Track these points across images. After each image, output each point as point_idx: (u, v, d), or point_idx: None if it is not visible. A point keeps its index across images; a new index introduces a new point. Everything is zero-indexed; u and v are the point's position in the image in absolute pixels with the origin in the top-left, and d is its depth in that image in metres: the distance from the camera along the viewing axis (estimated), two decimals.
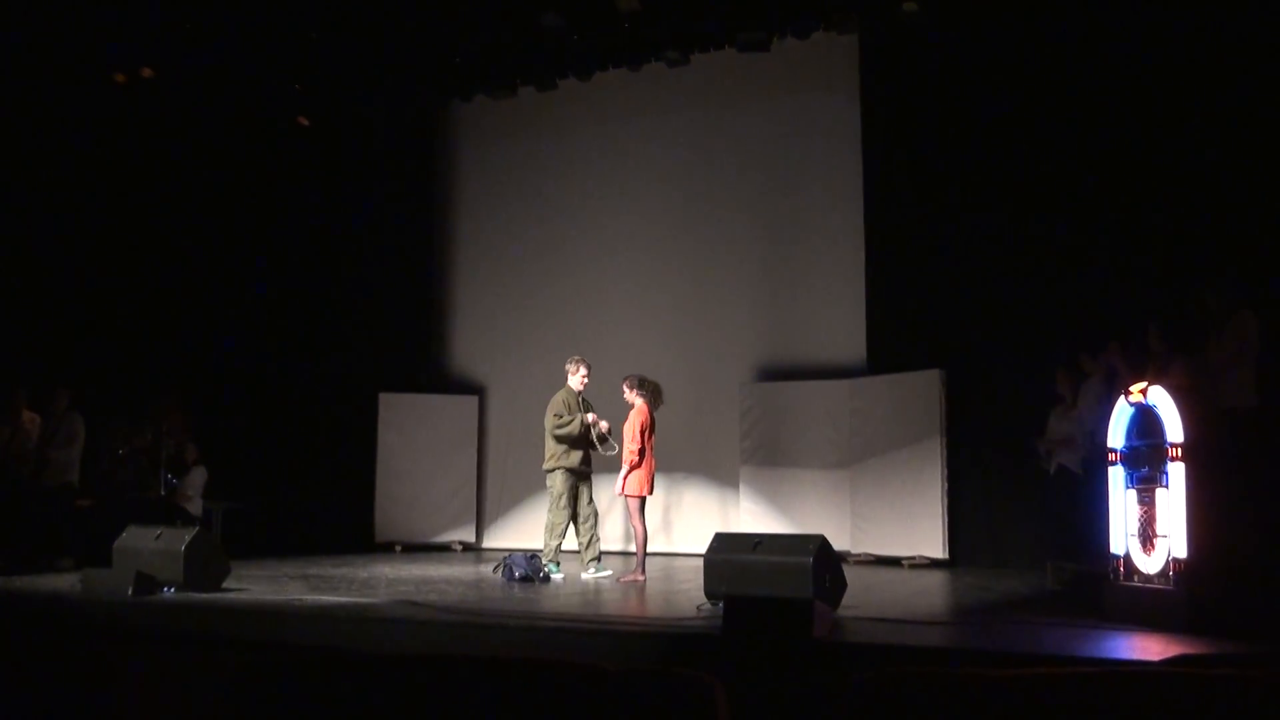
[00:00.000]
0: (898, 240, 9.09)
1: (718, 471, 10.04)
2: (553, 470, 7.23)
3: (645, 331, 10.33)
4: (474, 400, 10.93)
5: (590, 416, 7.19)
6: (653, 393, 7.19)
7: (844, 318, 9.57)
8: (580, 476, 7.27)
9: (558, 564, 7.21)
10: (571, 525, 7.17)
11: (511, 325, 10.97)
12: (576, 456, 7.21)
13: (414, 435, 10.60)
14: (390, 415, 10.63)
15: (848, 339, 9.55)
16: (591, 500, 7.35)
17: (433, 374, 11.08)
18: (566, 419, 7.12)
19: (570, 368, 7.40)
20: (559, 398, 7.31)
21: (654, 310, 10.38)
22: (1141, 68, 7.63)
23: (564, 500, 7.16)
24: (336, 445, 10.55)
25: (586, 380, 7.34)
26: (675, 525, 10.17)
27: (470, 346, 11.12)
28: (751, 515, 9.59)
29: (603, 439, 7.10)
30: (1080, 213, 8.01)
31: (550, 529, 7.22)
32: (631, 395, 7.19)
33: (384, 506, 10.49)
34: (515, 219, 11.03)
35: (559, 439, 7.06)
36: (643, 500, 7.12)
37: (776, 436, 9.62)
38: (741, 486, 9.73)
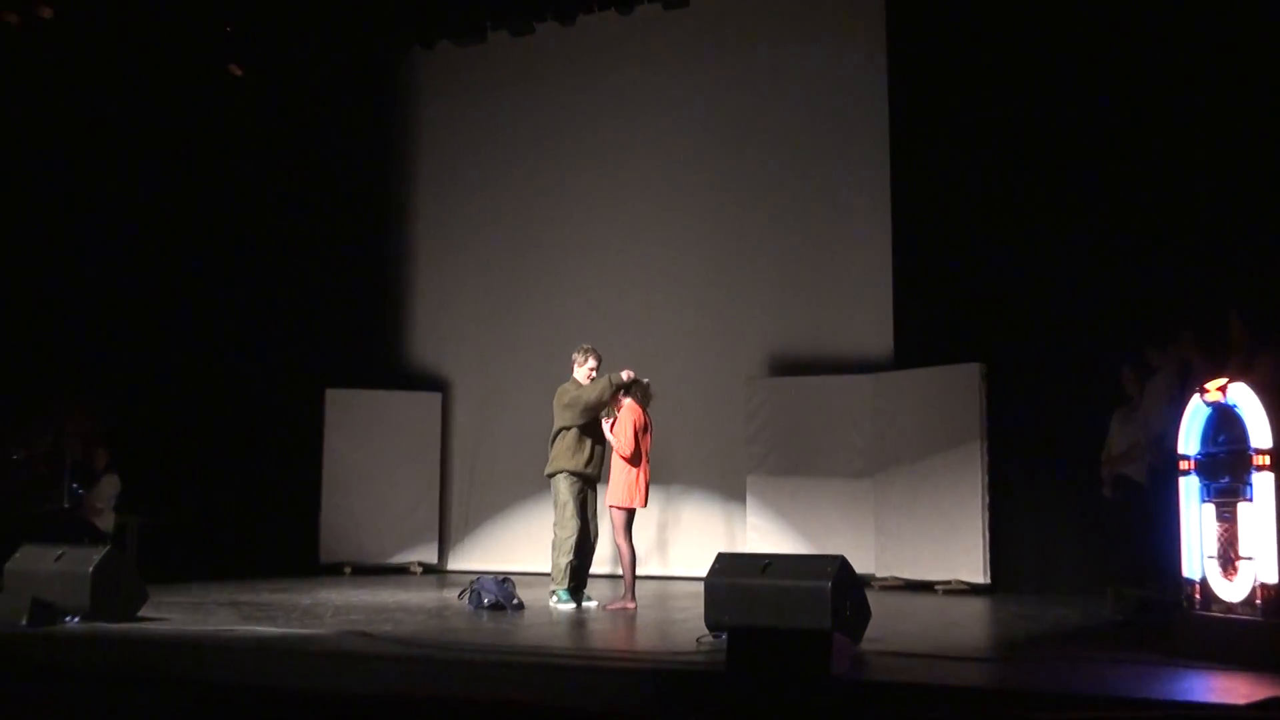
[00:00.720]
0: (930, 213, 9.14)
1: (720, 481, 10.09)
2: (555, 474, 7.26)
3: (636, 318, 10.39)
4: (436, 398, 10.96)
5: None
6: (643, 392, 7.27)
7: (868, 302, 9.64)
8: (587, 482, 7.30)
9: (571, 590, 7.19)
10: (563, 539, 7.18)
11: (482, 311, 10.99)
12: (584, 457, 7.24)
13: (366, 438, 10.63)
14: (338, 415, 10.67)
15: (872, 327, 9.61)
16: (595, 515, 7.39)
17: (388, 367, 11.12)
18: (588, 386, 7.09)
19: (577, 358, 7.42)
20: (566, 388, 7.35)
21: (647, 294, 10.47)
22: (1219, 9, 7.69)
23: (571, 509, 7.16)
24: (274, 449, 10.54)
25: (594, 373, 7.35)
26: (671, 544, 10.26)
27: (433, 336, 11.14)
28: (760, 532, 9.64)
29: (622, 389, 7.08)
30: (1148, 180, 8.05)
31: (558, 545, 7.21)
32: (625, 396, 7.28)
33: (330, 521, 10.55)
34: (487, 188, 11.08)
35: (587, 406, 7.03)
36: (631, 514, 7.18)
37: (789, 440, 9.65)
38: (748, 499, 9.75)
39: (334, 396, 10.67)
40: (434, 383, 11.10)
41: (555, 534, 7.29)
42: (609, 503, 7.21)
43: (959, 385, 8.82)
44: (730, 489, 9.98)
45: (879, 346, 9.57)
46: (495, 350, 10.90)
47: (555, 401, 7.37)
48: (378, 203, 11.33)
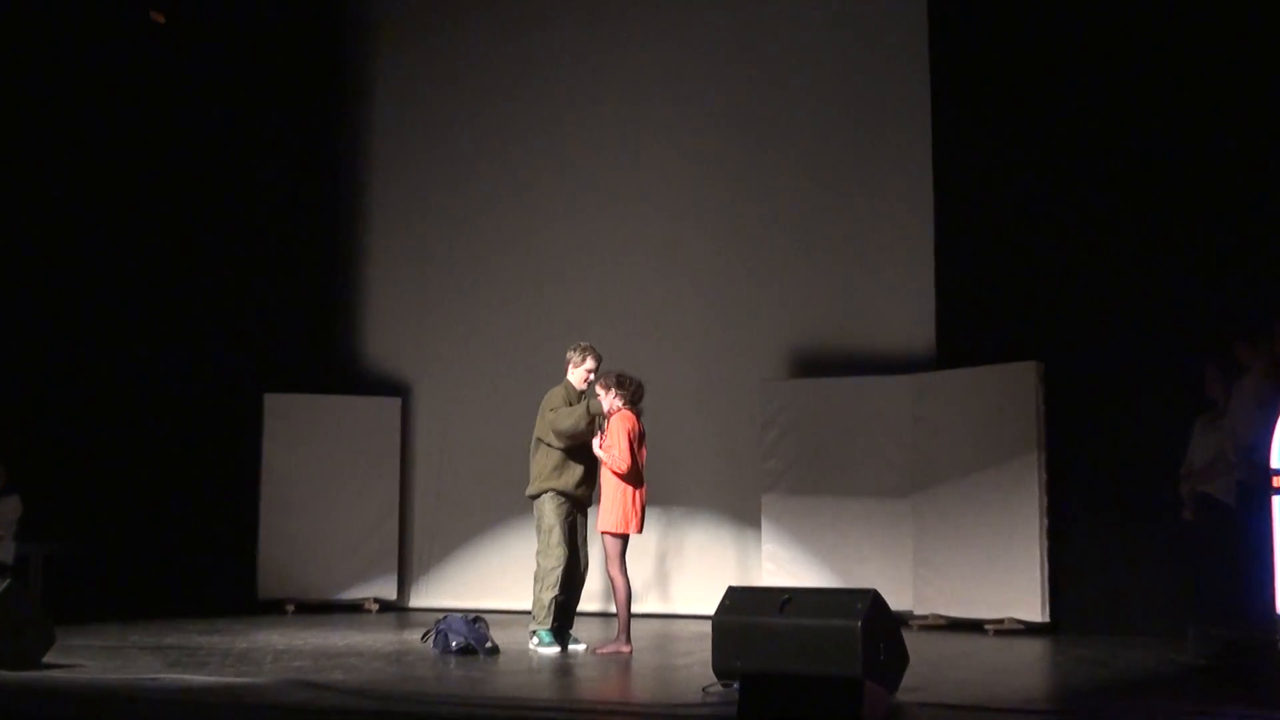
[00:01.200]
0: (978, 189, 9.19)
1: (731, 502, 10.14)
2: (539, 495, 7.32)
3: (630, 309, 10.46)
4: (395, 404, 10.99)
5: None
6: (631, 393, 7.31)
7: (906, 291, 9.69)
8: (576, 504, 7.36)
9: (555, 630, 7.23)
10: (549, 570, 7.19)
11: (450, 303, 11.05)
12: (574, 475, 7.30)
13: (312, 451, 10.64)
14: (280, 424, 10.66)
15: (911, 319, 9.67)
16: (585, 543, 7.43)
17: (339, 368, 11.21)
18: (564, 410, 7.25)
19: (573, 357, 7.46)
20: (556, 393, 7.42)
21: (642, 281, 10.52)
22: None
23: (558, 535, 7.22)
24: (204, 466, 10.53)
25: (592, 375, 7.40)
26: (673, 577, 10.30)
27: (391, 331, 11.23)
28: (777, 562, 9.72)
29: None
30: (1234, 149, 8.06)
31: (541, 578, 7.26)
32: (610, 398, 7.28)
33: (270, 550, 10.54)
34: (457, 155, 11.10)
35: (559, 434, 7.16)
36: (625, 541, 7.22)
37: (812, 453, 9.69)
38: (764, 523, 9.78)
39: (274, 403, 10.66)
40: (392, 386, 11.12)
41: (538, 564, 7.31)
42: (601, 528, 7.21)
43: (1012, 387, 8.83)
44: (742, 511, 10.03)
45: (919, 342, 9.62)
46: (464, 348, 10.93)
47: (542, 410, 7.41)
48: (326, 175, 11.35)
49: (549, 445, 7.28)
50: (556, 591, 7.19)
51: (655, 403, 7.62)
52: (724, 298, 10.31)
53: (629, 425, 7.22)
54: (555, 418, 7.23)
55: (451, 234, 11.05)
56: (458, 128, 11.09)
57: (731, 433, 10.11)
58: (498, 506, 10.41)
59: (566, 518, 7.30)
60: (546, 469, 7.30)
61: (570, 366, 7.48)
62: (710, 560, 10.08)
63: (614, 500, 7.19)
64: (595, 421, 7.21)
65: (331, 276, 11.30)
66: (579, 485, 7.34)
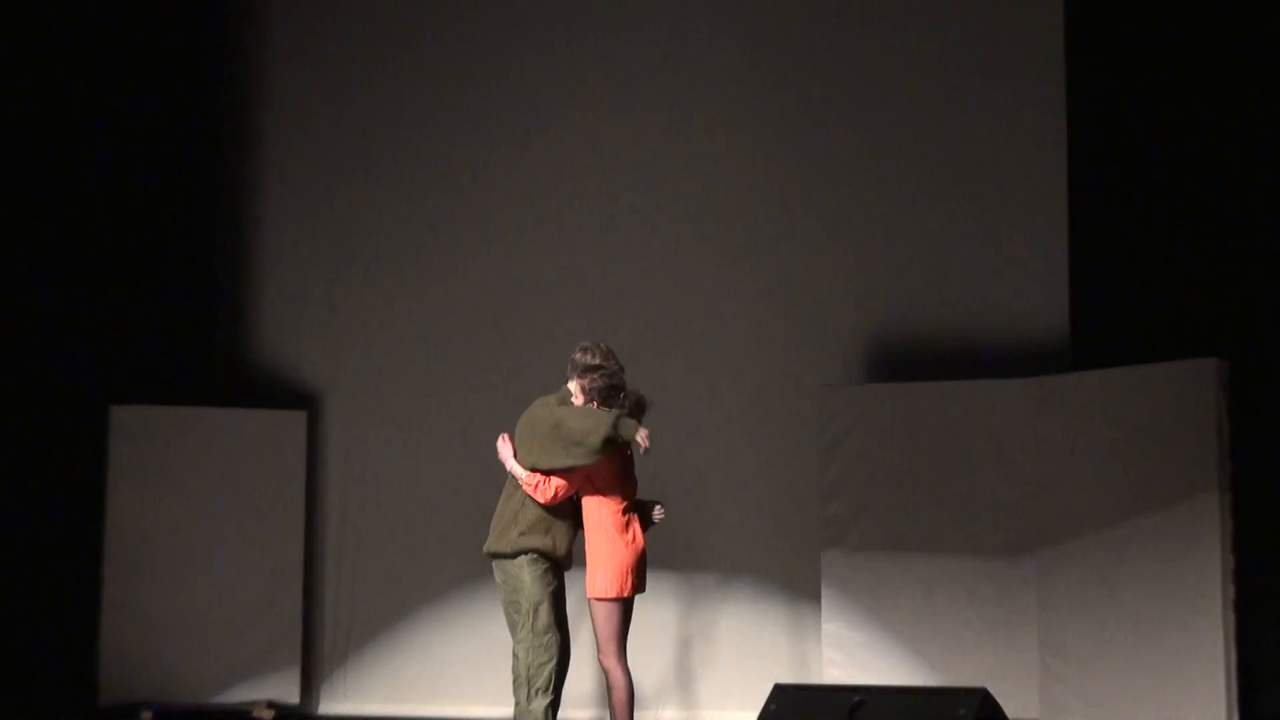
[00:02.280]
0: (1129, 132, 9.34)
1: (777, 564, 10.22)
2: (513, 555, 7.39)
3: (627, 294, 10.66)
4: (299, 420, 11.08)
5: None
6: (633, 408, 7.47)
7: (1027, 266, 9.91)
8: (560, 568, 7.48)
9: None
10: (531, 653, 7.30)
11: (373, 288, 11.30)
12: (564, 528, 7.42)
13: (178, 487, 10.70)
14: (131, 449, 10.69)
15: (1033, 304, 9.86)
16: (566, 620, 7.51)
17: (220, 371, 11.37)
18: (578, 409, 7.34)
19: (580, 360, 7.50)
20: (543, 408, 7.46)
21: (644, 253, 10.72)
22: None
23: (545, 616, 7.33)
24: (19, 508, 10.40)
25: (593, 386, 7.44)
26: (699, 670, 10.32)
27: (294, 326, 11.50)
28: (843, 649, 9.73)
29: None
30: None
31: (528, 681, 7.31)
32: (580, 395, 7.52)
33: (118, 634, 10.48)
34: (379, 109, 11.36)
35: (574, 445, 7.17)
36: (622, 612, 7.32)
37: (891, 491, 9.74)
38: (825, 593, 9.83)
39: (124, 418, 10.68)
40: (293, 395, 11.24)
41: (519, 660, 7.34)
42: (588, 594, 7.30)
43: (1182, 396, 8.82)
44: (794, 577, 10.12)
45: (1044, 334, 9.79)
46: (395, 346, 11.16)
47: (526, 429, 7.44)
48: (203, 137, 11.53)
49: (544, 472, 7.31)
50: (552, 696, 7.27)
51: (666, 424, 7.79)
52: (767, 279, 10.51)
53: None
54: (567, 416, 7.27)
55: (380, 204, 11.32)
56: (376, 76, 11.40)
57: (778, 464, 10.22)
58: (445, 567, 10.55)
59: (553, 588, 7.38)
60: (528, 517, 7.36)
61: (571, 375, 7.52)
62: (750, 647, 10.15)
63: (603, 553, 7.27)
64: (610, 444, 7.22)
65: (208, 257, 11.51)
66: (569, 542, 7.44)
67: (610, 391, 7.36)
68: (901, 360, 10.14)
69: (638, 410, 7.45)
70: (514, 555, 7.36)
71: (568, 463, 7.20)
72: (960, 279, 10.11)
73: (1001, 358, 9.79)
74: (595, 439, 7.11)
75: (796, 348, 10.34)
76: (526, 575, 7.34)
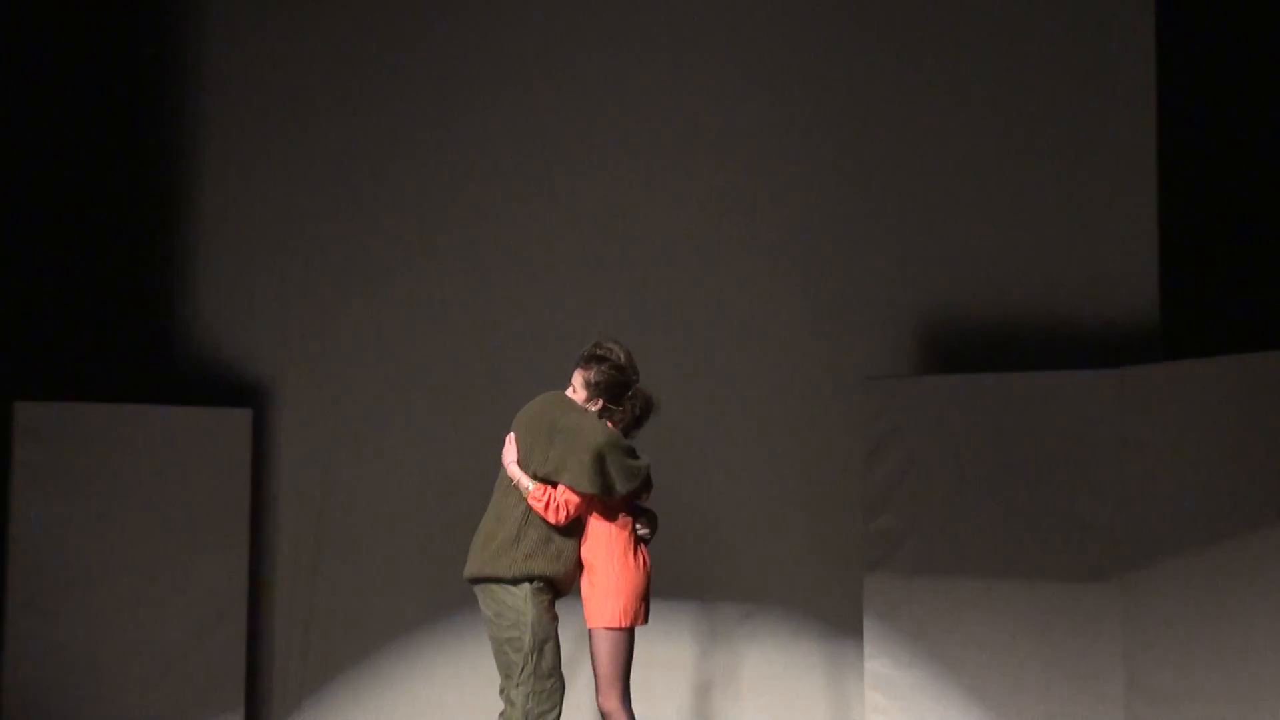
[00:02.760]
0: (1221, 92, 9.39)
1: (812, 591, 10.22)
2: (514, 582, 7.32)
3: (631, 279, 10.72)
4: (244, 419, 11.07)
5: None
6: (642, 411, 7.53)
7: (1107, 237, 9.96)
8: (556, 595, 7.45)
9: None
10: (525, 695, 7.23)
11: (333, 272, 11.34)
12: (569, 550, 7.39)
13: (99, 496, 10.62)
14: (41, 451, 10.60)
15: (1115, 283, 9.90)
16: (559, 655, 7.44)
17: (149, 364, 11.29)
18: (634, 463, 7.42)
19: (591, 349, 7.54)
20: (556, 402, 7.51)
21: (649, 235, 10.77)
22: None
23: (549, 651, 7.32)
24: None
25: (598, 380, 7.49)
26: (719, 713, 10.30)
27: (236, 311, 11.53)
28: (889, 692, 9.66)
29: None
30: None
31: None
32: (589, 404, 7.52)
33: (20, 667, 10.41)
34: (337, 69, 11.39)
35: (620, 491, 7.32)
36: (631, 641, 7.33)
37: (948, 503, 9.68)
38: (868, 624, 9.74)
39: (31, 416, 10.58)
40: (236, 390, 11.21)
41: (513, 705, 7.27)
42: (593, 624, 7.29)
43: None
44: (832, 607, 10.09)
45: (1128, 316, 9.82)
46: (356, 333, 11.19)
47: (527, 426, 7.47)
48: (135, 102, 11.48)
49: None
50: None
51: (679, 429, 8.07)
52: (797, 251, 10.52)
53: None
54: (609, 447, 7.25)
55: (337, 172, 11.34)
56: (327, 30, 11.44)
57: (813, 472, 10.21)
58: (417, 593, 10.58)
59: (551, 621, 7.34)
60: (533, 537, 7.32)
61: (579, 373, 7.50)
62: (781, 690, 10.14)
63: (614, 576, 7.28)
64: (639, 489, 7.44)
65: (133, 231, 11.43)
66: (572, 566, 7.39)
67: (617, 389, 7.37)
68: (960, 348, 10.11)
69: (645, 415, 7.47)
70: (515, 582, 7.26)
71: (591, 491, 7.24)
72: (1031, 254, 10.10)
73: (1079, 345, 9.76)
74: (630, 485, 7.30)
75: (835, 334, 10.32)
76: (532, 607, 7.25)
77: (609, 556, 7.32)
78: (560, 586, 7.41)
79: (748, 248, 10.57)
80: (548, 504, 7.22)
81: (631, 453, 7.39)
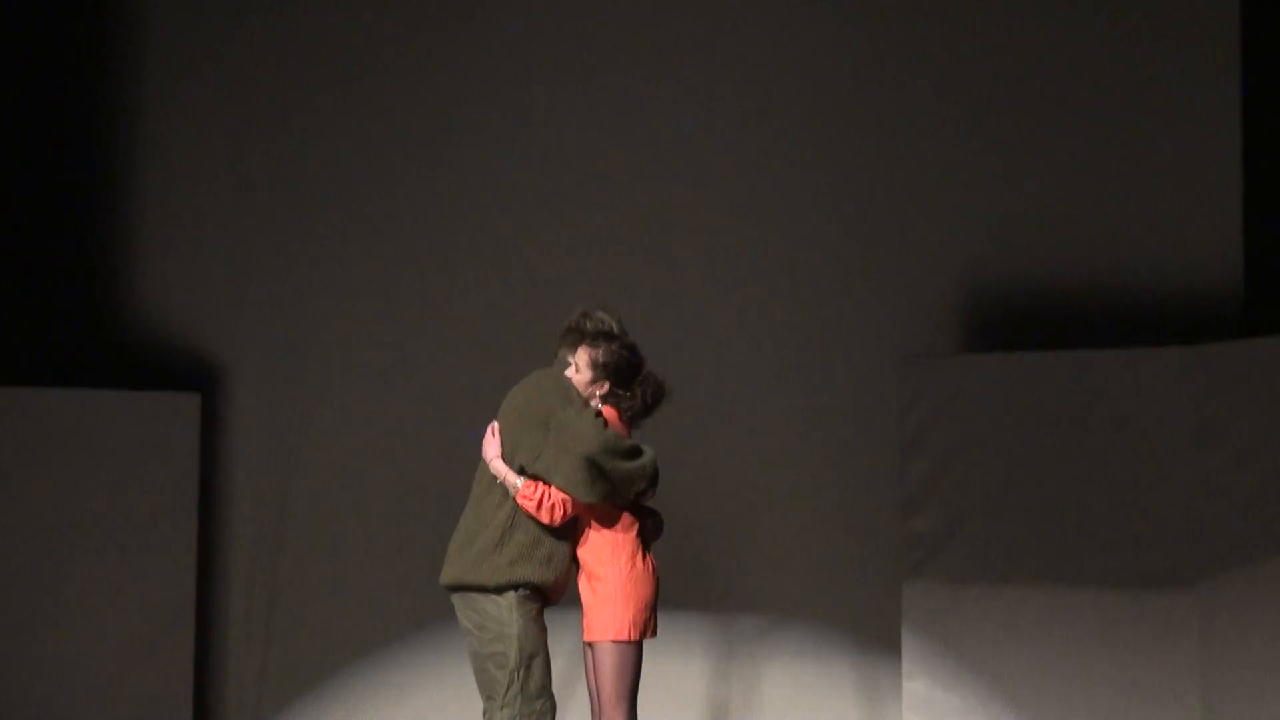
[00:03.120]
0: None
1: (842, 601, 10.21)
2: (498, 590, 7.26)
3: (632, 234, 10.75)
4: (192, 403, 10.99)
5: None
6: (653, 394, 7.48)
7: (1181, 200, 9.98)
8: (540, 606, 7.40)
9: None
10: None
11: (293, 243, 11.36)
12: (561, 553, 7.34)
13: (27, 489, 10.63)
14: None
15: (1194, 248, 9.91)
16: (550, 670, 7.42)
17: (88, 344, 11.24)
18: (635, 464, 7.33)
19: (584, 322, 7.49)
20: (547, 388, 7.46)
21: (650, 195, 10.75)
22: None
23: (538, 667, 7.26)
24: None
25: (607, 361, 7.43)
26: None
27: (185, 286, 11.48)
28: (930, 717, 9.69)
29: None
30: None
31: None
32: (588, 384, 7.44)
33: None
34: (299, 21, 11.44)
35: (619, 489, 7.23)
36: (634, 653, 7.26)
37: (997, 499, 9.69)
38: (906, 639, 9.73)
39: None
40: (184, 373, 11.11)
41: None
42: (597, 637, 7.19)
43: None
44: (864, 619, 10.11)
45: (1205, 290, 9.82)
46: (318, 309, 11.16)
47: (519, 413, 7.41)
48: (65, 45, 11.45)
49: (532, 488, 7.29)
50: None
51: (691, 419, 8.09)
52: (825, 210, 10.47)
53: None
54: (598, 441, 7.18)
55: (298, 132, 11.33)
56: None
57: (843, 466, 10.21)
58: (389, 602, 10.56)
59: (539, 633, 7.28)
60: (520, 540, 7.26)
61: (571, 341, 7.46)
62: (806, 713, 10.13)
63: (623, 582, 7.20)
64: (643, 487, 7.35)
65: (70, 199, 11.40)
66: (564, 572, 7.35)
67: (628, 371, 7.32)
68: (1010, 323, 10.08)
69: (657, 402, 7.41)
70: (499, 590, 7.18)
71: (589, 501, 7.23)
72: (1094, 216, 10.09)
73: (1150, 320, 9.78)
74: (638, 487, 7.24)
75: (868, 309, 10.31)
76: (518, 618, 7.19)
77: (614, 560, 7.24)
78: (550, 595, 7.37)
79: (766, 208, 10.55)
80: (540, 503, 7.16)
81: (632, 453, 7.29)
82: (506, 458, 7.31)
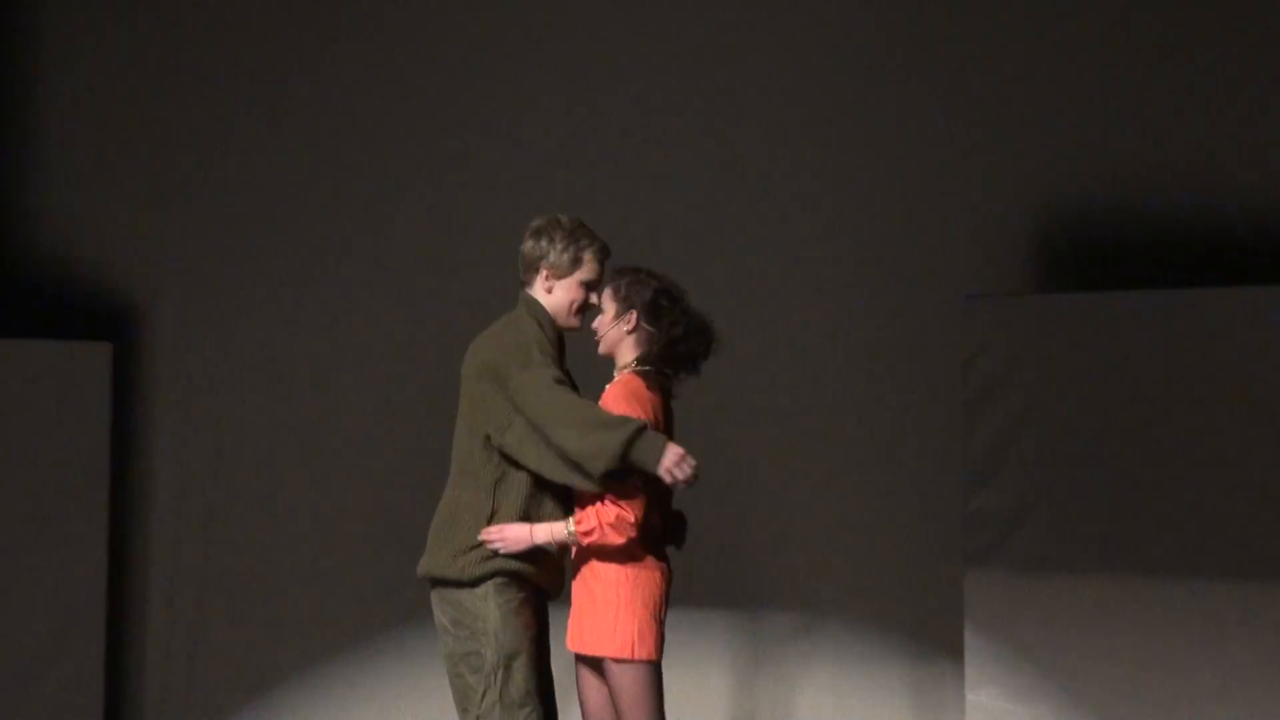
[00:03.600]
0: None
1: (892, 591, 10.21)
2: (472, 583, 7.21)
3: (647, 176, 10.76)
4: (100, 354, 11.09)
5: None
6: (699, 342, 7.30)
7: (1275, 118, 10.06)
8: (542, 602, 7.39)
9: None
10: None
11: (225, 166, 11.44)
12: (560, 553, 7.33)
13: None
14: None
15: None
16: (552, 683, 7.41)
17: None
18: (592, 436, 7.12)
19: (549, 250, 7.38)
20: (506, 340, 7.32)
21: (666, 119, 10.87)
22: None
23: (520, 669, 7.19)
24: None
25: (592, 295, 7.36)
26: None
27: (94, 218, 11.64)
28: None
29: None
30: None
31: None
32: (618, 330, 7.22)
33: None
34: None
35: (576, 459, 7.04)
36: (655, 673, 7.13)
37: (1081, 469, 9.59)
38: (969, 639, 9.62)
39: None
40: (93, 317, 11.25)
41: None
42: (605, 652, 7.03)
43: None
44: (920, 616, 10.12)
45: None
46: (256, 242, 11.25)
47: (474, 375, 7.34)
48: None
49: (502, 463, 7.26)
50: None
51: (714, 379, 7.66)
52: (871, 131, 10.52)
53: (650, 406, 7.15)
54: (553, 411, 7.07)
55: (212, 62, 11.48)
56: None
57: (892, 431, 10.22)
58: (345, 592, 10.60)
59: (533, 632, 7.17)
60: (501, 521, 7.21)
61: (541, 274, 7.33)
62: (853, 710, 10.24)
63: (641, 584, 7.06)
64: (619, 461, 7.04)
65: None
66: (560, 559, 7.32)
67: (666, 300, 7.15)
68: (1096, 257, 10.03)
69: (702, 341, 7.22)
70: (474, 583, 7.06)
71: (565, 482, 7.16)
72: (1187, 138, 10.07)
73: (1260, 254, 9.72)
74: (597, 465, 6.98)
75: (923, 239, 10.27)
76: (494, 611, 7.07)
77: (637, 557, 7.05)
78: (539, 585, 7.25)
79: (808, 131, 10.53)
80: (599, 530, 6.97)
81: (602, 425, 7.00)
82: (469, 432, 7.21)
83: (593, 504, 6.97)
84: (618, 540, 6.98)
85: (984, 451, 9.58)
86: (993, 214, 10.24)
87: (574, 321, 7.24)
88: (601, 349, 7.15)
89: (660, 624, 7.08)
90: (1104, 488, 9.48)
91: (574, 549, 7.27)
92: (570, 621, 7.12)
